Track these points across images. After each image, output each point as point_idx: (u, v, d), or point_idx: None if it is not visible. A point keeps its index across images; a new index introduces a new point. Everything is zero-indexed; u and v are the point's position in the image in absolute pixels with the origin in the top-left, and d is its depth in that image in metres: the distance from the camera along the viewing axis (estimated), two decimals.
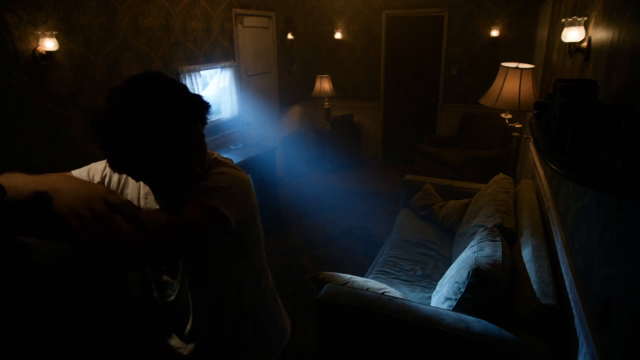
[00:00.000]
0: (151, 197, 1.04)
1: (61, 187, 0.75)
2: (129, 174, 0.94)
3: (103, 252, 0.74)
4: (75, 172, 1.06)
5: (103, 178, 1.07)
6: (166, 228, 0.82)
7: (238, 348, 1.13)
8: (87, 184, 0.79)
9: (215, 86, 4.15)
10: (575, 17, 1.96)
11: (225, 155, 3.78)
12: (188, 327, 1.09)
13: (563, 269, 1.75)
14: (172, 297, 1.08)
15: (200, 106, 0.92)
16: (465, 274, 1.80)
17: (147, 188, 1.05)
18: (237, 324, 1.12)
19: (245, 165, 3.67)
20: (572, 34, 1.94)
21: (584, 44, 1.89)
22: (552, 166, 1.07)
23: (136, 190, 1.06)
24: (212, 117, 4.06)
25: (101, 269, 1.04)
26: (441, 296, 1.95)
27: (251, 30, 4.57)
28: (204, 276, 1.05)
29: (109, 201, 0.74)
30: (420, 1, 5.53)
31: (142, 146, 0.84)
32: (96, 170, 1.07)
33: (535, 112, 1.61)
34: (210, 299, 1.07)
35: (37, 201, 0.75)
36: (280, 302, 1.31)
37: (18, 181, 0.79)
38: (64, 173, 1.02)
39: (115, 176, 1.07)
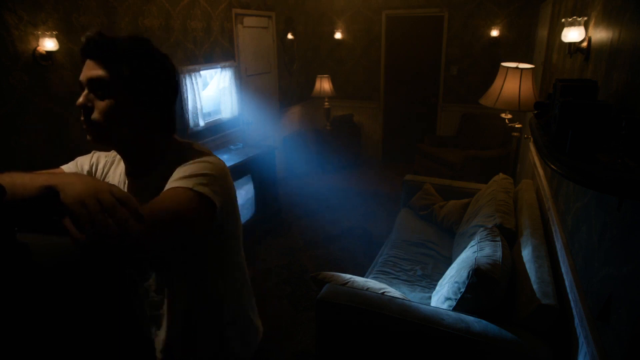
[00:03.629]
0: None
1: (68, 181, 0.76)
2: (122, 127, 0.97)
3: (107, 244, 0.74)
4: (65, 167, 1.09)
5: (90, 167, 1.11)
6: (165, 221, 0.82)
7: (214, 342, 1.12)
8: (93, 178, 0.79)
9: (215, 86, 4.15)
10: (575, 17, 1.96)
11: (225, 156, 3.76)
12: (164, 321, 1.09)
13: (563, 269, 1.75)
14: (153, 288, 1.09)
15: None
16: (465, 274, 1.80)
17: (126, 179, 1.07)
18: (213, 316, 1.11)
19: (245, 165, 3.67)
20: (572, 34, 1.94)
21: (584, 44, 1.89)
22: (552, 166, 1.07)
23: (116, 182, 1.08)
24: (212, 117, 4.08)
25: (102, 267, 1.04)
26: (441, 296, 1.95)
27: (251, 30, 4.57)
28: (181, 267, 1.05)
29: (114, 194, 0.74)
30: (420, 1, 5.53)
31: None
32: (83, 162, 1.12)
33: (535, 112, 1.61)
34: (186, 290, 1.06)
35: (45, 195, 0.75)
36: (254, 301, 1.30)
37: (24, 178, 0.79)
38: (54, 169, 1.04)
39: (100, 168, 1.11)
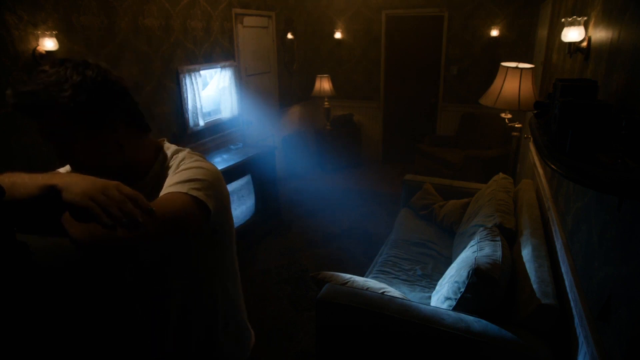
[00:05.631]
0: None
1: (71, 180, 0.76)
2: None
3: (111, 240, 0.74)
4: (62, 170, 1.07)
5: None
6: (163, 223, 0.82)
7: (207, 346, 1.12)
8: (96, 178, 0.79)
9: (215, 86, 4.15)
10: (575, 16, 1.96)
11: (225, 155, 3.74)
12: (157, 325, 1.08)
13: (563, 269, 1.75)
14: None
15: None
16: (465, 274, 1.80)
17: None
18: (206, 320, 1.11)
19: (245, 165, 3.67)
20: (572, 34, 1.94)
21: (584, 44, 1.89)
22: (552, 166, 1.07)
23: None
24: (212, 117, 4.08)
25: (99, 268, 1.04)
26: (441, 296, 1.95)
27: (251, 30, 4.57)
28: (174, 270, 1.05)
29: (122, 190, 0.74)
30: (420, 1, 5.52)
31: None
32: None
33: (535, 111, 1.61)
34: (179, 294, 1.06)
35: (46, 195, 0.75)
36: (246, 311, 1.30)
37: (24, 178, 0.79)
38: (51, 172, 1.04)
39: None
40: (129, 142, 0.97)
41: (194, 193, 0.90)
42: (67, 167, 1.11)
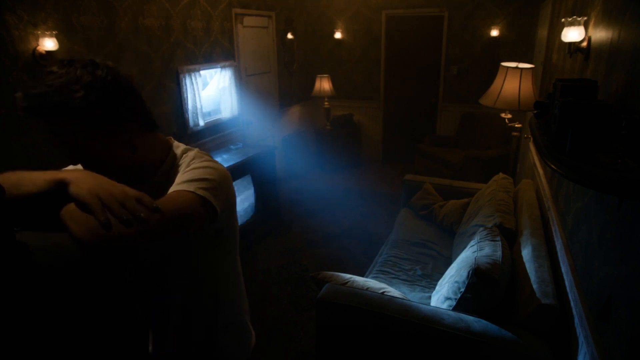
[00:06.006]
0: None
1: (79, 176, 0.77)
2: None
3: (113, 241, 0.74)
4: (68, 168, 1.07)
5: None
6: (168, 220, 0.82)
7: (207, 345, 1.12)
8: (105, 177, 0.79)
9: (215, 86, 4.15)
10: (575, 16, 1.96)
11: (225, 155, 3.73)
12: (157, 324, 1.09)
13: (563, 269, 1.75)
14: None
15: None
16: (465, 274, 1.80)
17: None
18: (207, 320, 1.11)
19: (245, 165, 3.67)
20: (572, 34, 1.94)
21: (584, 44, 1.89)
22: (552, 166, 1.07)
23: None
24: (212, 117, 4.08)
25: (101, 267, 1.04)
26: (441, 296, 1.95)
27: (251, 30, 4.57)
28: (176, 269, 1.05)
29: (128, 191, 0.75)
30: (420, 1, 5.52)
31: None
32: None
33: (535, 111, 1.61)
34: (181, 293, 1.07)
35: (55, 190, 0.75)
36: (248, 306, 1.29)
37: (32, 174, 0.80)
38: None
39: None
40: (139, 140, 0.96)
41: (201, 192, 0.90)
42: (77, 166, 1.11)
